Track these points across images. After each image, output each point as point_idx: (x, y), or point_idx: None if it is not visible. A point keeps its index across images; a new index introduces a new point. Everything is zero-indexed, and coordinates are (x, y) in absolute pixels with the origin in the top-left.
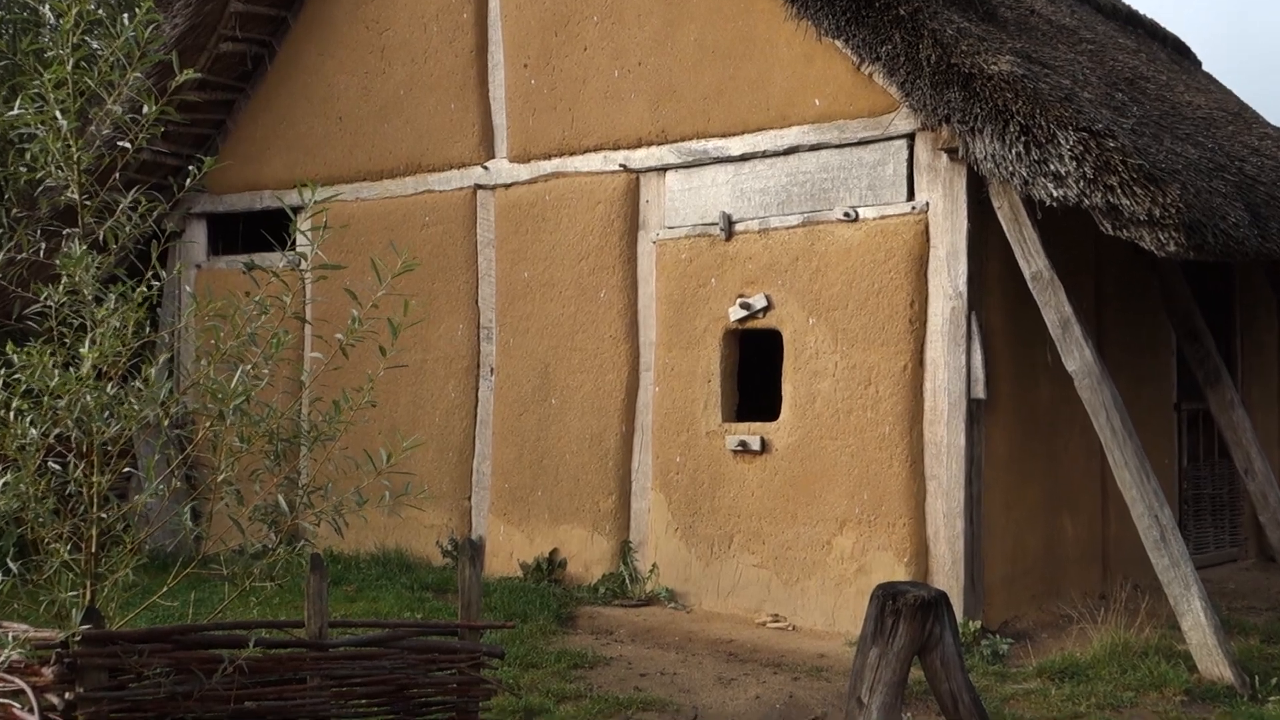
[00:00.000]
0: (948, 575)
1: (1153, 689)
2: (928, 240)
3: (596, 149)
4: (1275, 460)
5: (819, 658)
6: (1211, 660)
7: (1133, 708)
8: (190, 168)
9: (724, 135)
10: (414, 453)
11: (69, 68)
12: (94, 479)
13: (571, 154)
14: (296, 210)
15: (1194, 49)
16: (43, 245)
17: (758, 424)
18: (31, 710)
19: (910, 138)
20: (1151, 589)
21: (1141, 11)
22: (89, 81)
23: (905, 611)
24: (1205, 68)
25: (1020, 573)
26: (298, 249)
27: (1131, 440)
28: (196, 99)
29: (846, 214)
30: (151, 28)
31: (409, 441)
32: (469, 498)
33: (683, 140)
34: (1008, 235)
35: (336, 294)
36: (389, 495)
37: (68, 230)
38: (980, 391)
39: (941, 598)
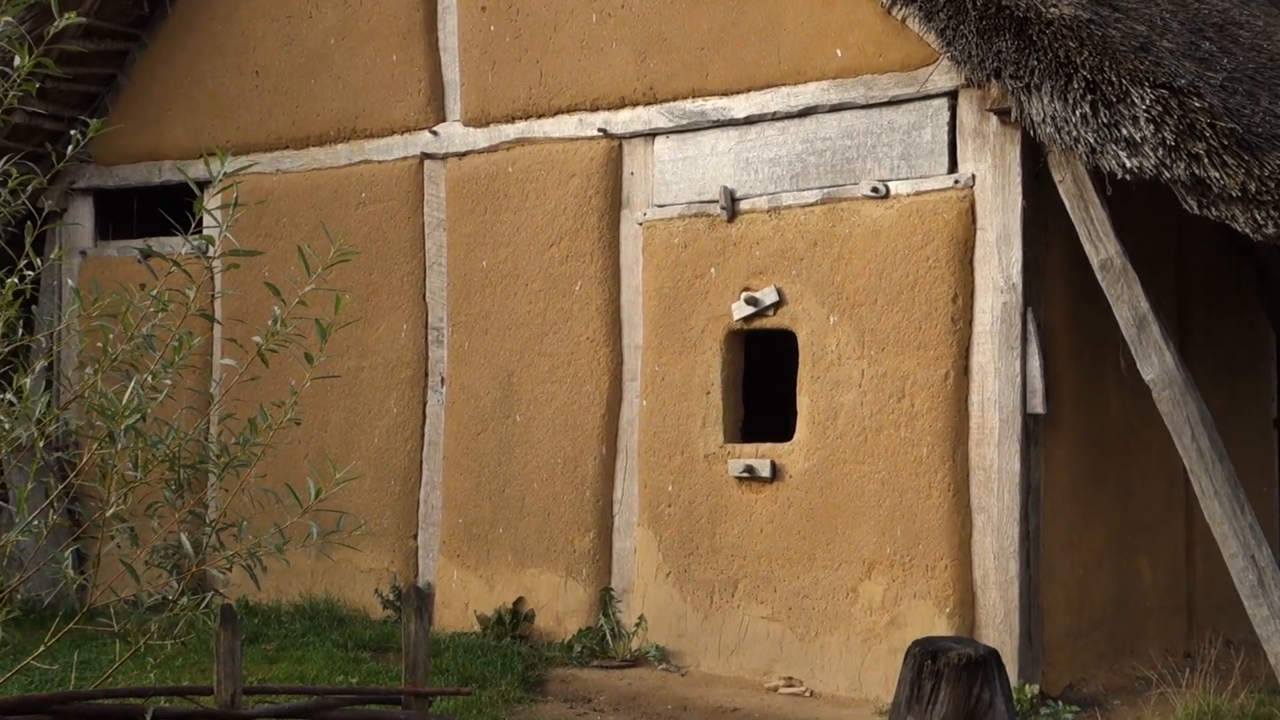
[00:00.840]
0: (999, 629)
1: None
2: (974, 221)
3: (570, 110)
4: None
5: None
6: None
7: None
8: (73, 133)
9: (725, 93)
10: (349, 482)
11: None
12: None
13: (540, 116)
14: (203, 185)
15: None
16: None
17: (767, 445)
18: None
19: (952, 96)
20: (1247, 645)
21: None
22: None
23: (947, 673)
24: None
25: (1087, 626)
26: (204, 232)
27: (1223, 464)
28: (81, 49)
29: (875, 189)
30: None
31: (343, 472)
32: (415, 536)
33: (675, 99)
34: (1071, 215)
35: (252, 287)
36: (316, 534)
37: None
38: (1038, 405)
39: (991, 656)
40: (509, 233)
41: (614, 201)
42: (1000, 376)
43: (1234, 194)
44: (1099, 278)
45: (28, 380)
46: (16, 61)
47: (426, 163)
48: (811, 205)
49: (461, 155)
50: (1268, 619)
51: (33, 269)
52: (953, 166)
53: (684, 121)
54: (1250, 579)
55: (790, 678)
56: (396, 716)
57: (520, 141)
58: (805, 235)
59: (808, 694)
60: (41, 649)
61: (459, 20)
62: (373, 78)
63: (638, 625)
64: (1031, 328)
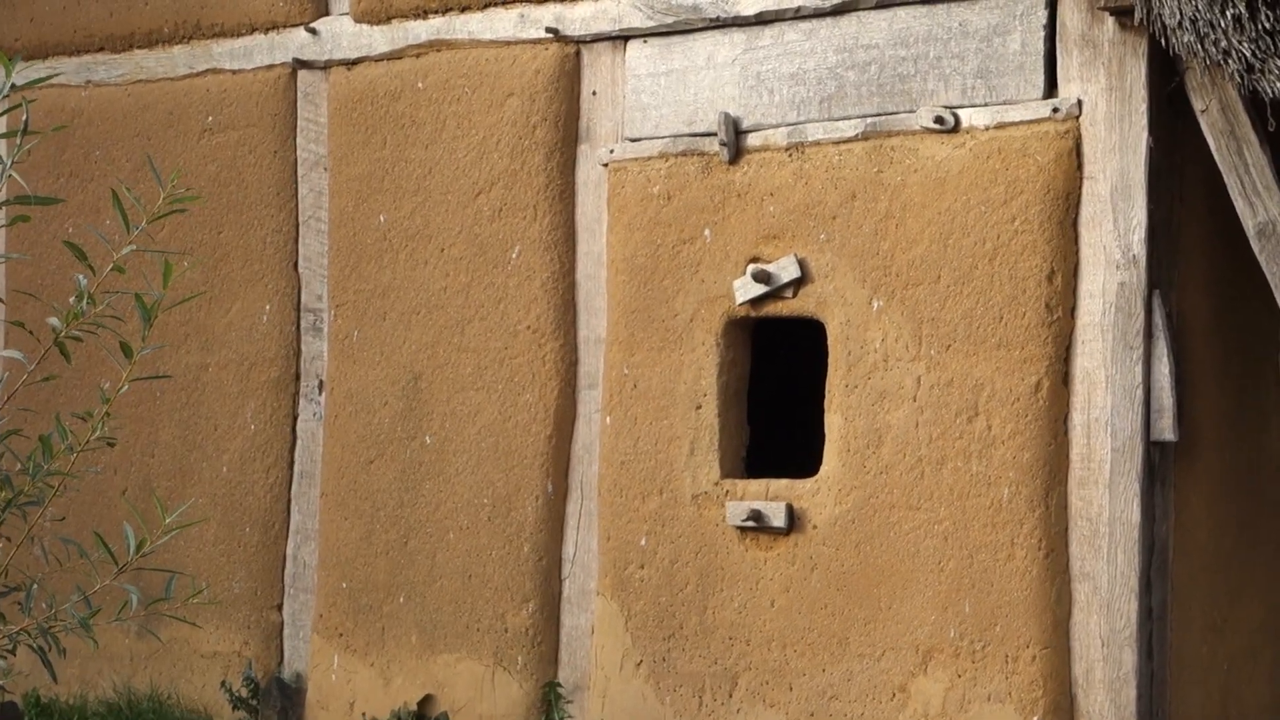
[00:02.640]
0: None
1: None
2: (1080, 166)
3: (507, 2)
4: None
5: None
6: None
7: None
8: None
9: None
10: (186, 529)
11: None
12: None
13: (463, 9)
14: None
15: None
16: None
17: (782, 482)
18: None
19: None
20: None
21: None
22: None
23: None
24: None
25: None
26: None
27: None
28: None
29: (940, 119)
30: None
31: (176, 514)
32: (279, 606)
33: None
34: (1218, 160)
35: (49, 248)
36: (137, 602)
37: None
38: (1168, 430)
39: None
40: (418, 175)
41: (568, 133)
42: (1114, 388)
43: None
44: (1255, 248)
45: None
46: None
47: (301, 74)
48: (849, 141)
49: (351, 64)
50: None
51: None
52: (1051, 89)
53: (669, 19)
54: None
55: None
56: None
57: (435, 45)
58: (840, 184)
59: None
60: None
61: None
62: None
63: None
64: (1159, 319)
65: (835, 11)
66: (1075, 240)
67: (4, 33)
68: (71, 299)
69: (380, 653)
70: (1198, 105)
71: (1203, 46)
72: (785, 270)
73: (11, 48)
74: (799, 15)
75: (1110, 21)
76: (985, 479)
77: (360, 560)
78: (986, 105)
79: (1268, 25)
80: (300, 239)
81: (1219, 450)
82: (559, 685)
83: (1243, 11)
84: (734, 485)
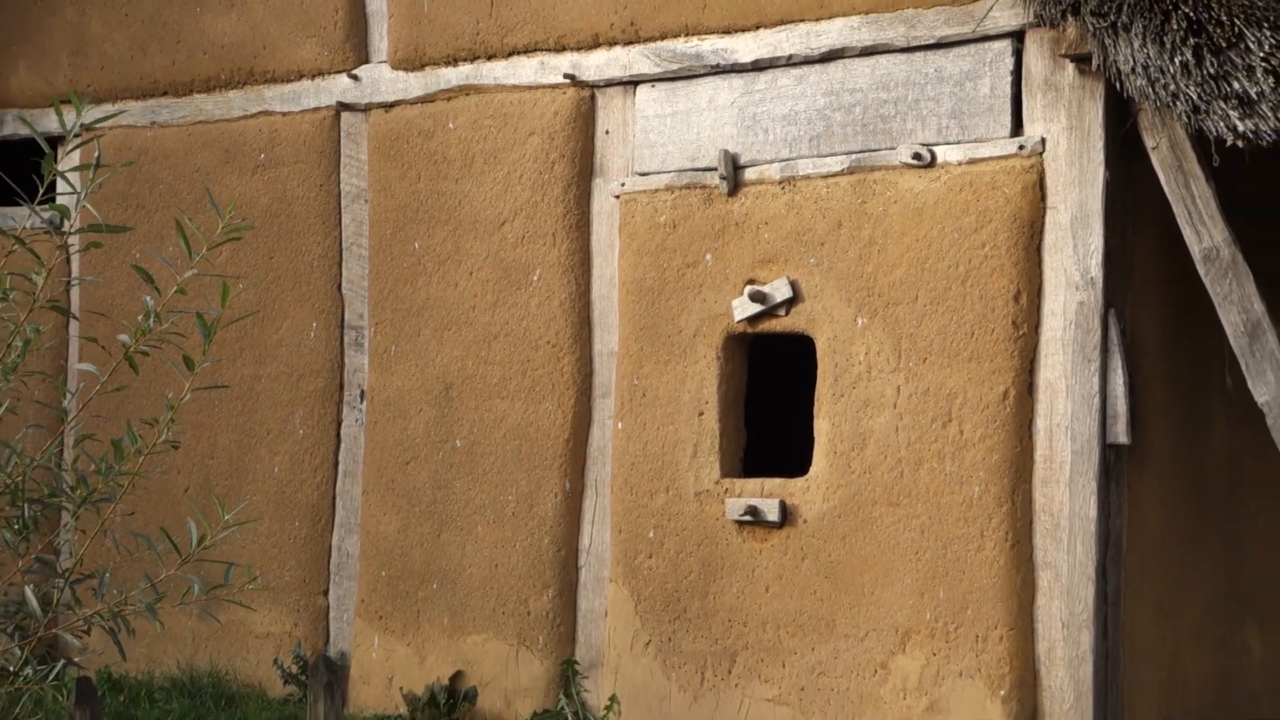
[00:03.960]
0: (1068, 717)
1: None
2: (1044, 198)
3: (529, 50)
4: None
5: None
6: None
7: None
8: None
9: (728, 31)
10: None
11: None
12: None
13: (490, 57)
14: (55, 141)
15: None
16: None
17: (775, 480)
18: None
19: (1018, 38)
20: None
21: None
22: None
23: None
24: None
25: (1180, 713)
26: (57, 201)
27: None
28: None
29: (917, 156)
30: None
31: (234, 512)
32: (325, 592)
33: (663, 38)
34: (1167, 192)
35: (118, 272)
36: (198, 589)
37: None
38: (1121, 434)
39: None
40: (449, 206)
41: (584, 168)
42: (1073, 397)
43: None
44: (1201, 272)
45: None
46: None
47: (344, 115)
48: (836, 175)
49: (389, 106)
50: None
51: None
52: (1017, 128)
53: (674, 66)
54: None
55: None
56: None
57: (464, 89)
58: (827, 214)
59: None
60: None
61: None
62: (276, 5)
63: (608, 708)
64: (1114, 335)
65: (824, 59)
66: (1039, 264)
67: (78, 79)
68: (139, 317)
69: (416, 633)
70: (1149, 143)
71: (1153, 90)
72: (779, 291)
73: (84, 92)
74: (791, 62)
75: (1070, 68)
76: (958, 478)
77: (398, 551)
78: (959, 143)
79: (1212, 70)
80: (343, 263)
81: (1168, 452)
82: (576, 662)
83: (1189, 58)
84: (733, 484)
